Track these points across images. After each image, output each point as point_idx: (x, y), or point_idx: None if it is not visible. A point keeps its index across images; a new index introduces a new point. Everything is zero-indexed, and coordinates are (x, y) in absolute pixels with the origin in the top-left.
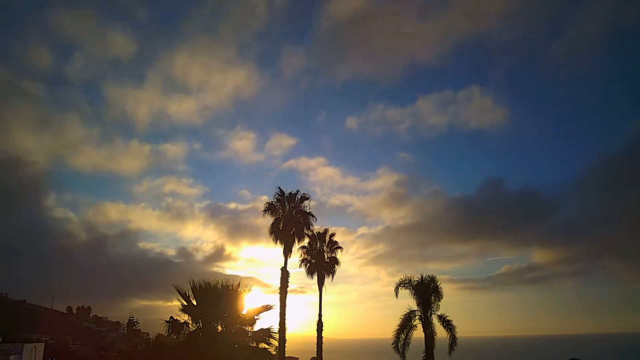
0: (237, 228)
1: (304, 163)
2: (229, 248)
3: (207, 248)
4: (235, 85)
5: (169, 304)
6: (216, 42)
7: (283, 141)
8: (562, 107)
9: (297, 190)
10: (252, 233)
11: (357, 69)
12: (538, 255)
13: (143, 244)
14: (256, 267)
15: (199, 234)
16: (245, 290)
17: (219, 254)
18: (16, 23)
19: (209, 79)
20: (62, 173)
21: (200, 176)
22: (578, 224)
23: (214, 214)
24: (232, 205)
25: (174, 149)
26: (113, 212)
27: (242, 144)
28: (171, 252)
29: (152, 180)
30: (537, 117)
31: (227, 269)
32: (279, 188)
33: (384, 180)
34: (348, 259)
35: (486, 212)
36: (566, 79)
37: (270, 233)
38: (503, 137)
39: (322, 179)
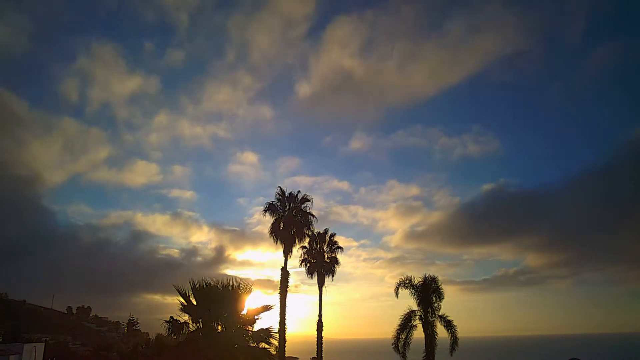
0: (241, 235)
1: (308, 179)
2: (231, 252)
3: (209, 252)
4: (246, 116)
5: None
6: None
7: (289, 162)
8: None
9: (298, 191)
10: (253, 238)
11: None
12: (534, 258)
13: (149, 246)
14: (256, 267)
15: (203, 239)
16: (245, 290)
17: (220, 257)
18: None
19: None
20: (80, 186)
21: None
22: (574, 228)
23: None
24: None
25: (182, 170)
26: (121, 219)
27: (246, 166)
28: (175, 253)
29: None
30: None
31: (228, 269)
32: (280, 188)
33: (392, 193)
34: (352, 261)
35: (487, 218)
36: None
37: (271, 233)
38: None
39: (327, 192)
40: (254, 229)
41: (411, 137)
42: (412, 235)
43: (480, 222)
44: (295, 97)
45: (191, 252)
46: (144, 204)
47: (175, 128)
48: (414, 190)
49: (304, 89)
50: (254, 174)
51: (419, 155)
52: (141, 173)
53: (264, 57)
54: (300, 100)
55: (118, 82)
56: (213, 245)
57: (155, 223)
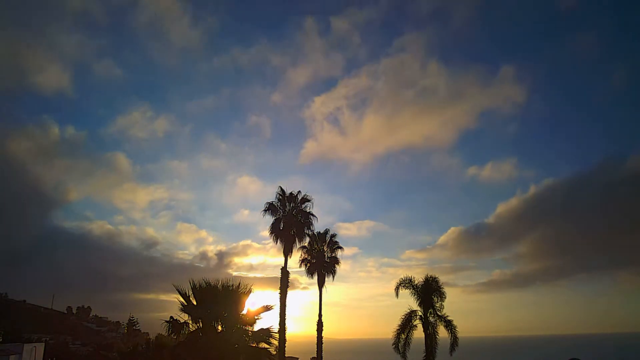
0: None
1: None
2: (233, 257)
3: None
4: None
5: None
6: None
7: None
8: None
9: (298, 191)
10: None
11: None
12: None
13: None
14: (257, 266)
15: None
16: (245, 290)
17: (222, 261)
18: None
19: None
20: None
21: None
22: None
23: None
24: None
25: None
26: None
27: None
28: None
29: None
30: None
31: (229, 269)
32: (280, 187)
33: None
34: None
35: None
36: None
37: (271, 233)
38: None
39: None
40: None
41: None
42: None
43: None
44: None
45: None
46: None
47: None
48: None
49: None
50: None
51: None
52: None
53: None
54: None
55: None
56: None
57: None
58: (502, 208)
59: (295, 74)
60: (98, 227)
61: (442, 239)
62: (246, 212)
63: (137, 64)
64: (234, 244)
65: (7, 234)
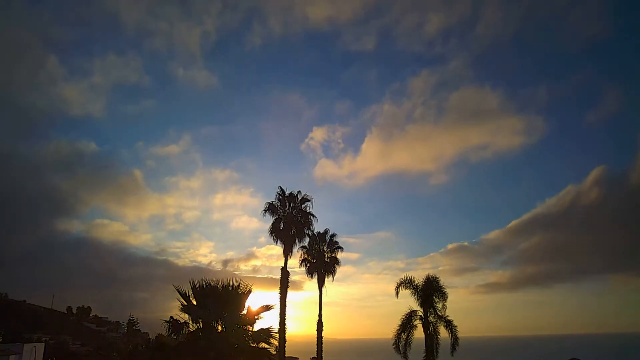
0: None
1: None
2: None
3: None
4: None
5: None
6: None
7: None
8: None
9: (298, 191)
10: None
11: None
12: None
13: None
14: (259, 268)
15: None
16: (245, 290)
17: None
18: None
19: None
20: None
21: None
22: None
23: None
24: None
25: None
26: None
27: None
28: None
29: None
30: None
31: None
32: (280, 187)
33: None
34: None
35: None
36: None
37: (271, 233)
38: None
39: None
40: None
41: None
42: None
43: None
44: None
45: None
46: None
47: None
48: None
49: None
50: None
51: None
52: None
53: None
54: None
55: None
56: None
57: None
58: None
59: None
60: (107, 232)
61: (444, 249)
62: (253, 221)
63: (170, 97)
64: (240, 253)
65: (19, 237)
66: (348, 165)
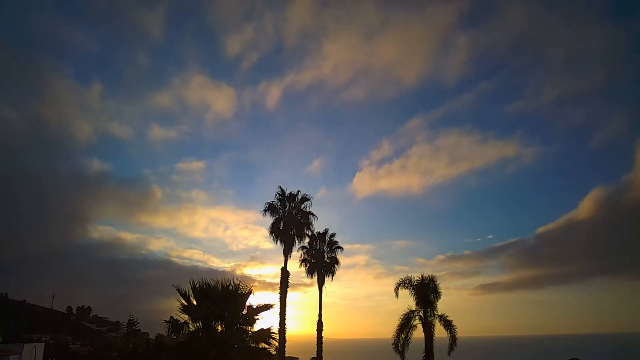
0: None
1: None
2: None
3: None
4: None
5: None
6: None
7: None
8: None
9: (298, 191)
10: None
11: None
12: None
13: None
14: (257, 266)
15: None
16: (245, 291)
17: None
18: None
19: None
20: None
21: None
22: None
23: None
24: None
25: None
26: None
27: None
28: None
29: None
30: None
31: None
32: (280, 187)
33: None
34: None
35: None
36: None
37: (271, 233)
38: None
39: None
40: None
41: None
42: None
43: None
44: None
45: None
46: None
47: None
48: None
49: None
50: None
51: None
52: None
53: None
54: None
55: None
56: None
57: None
58: None
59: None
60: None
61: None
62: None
63: (192, 132)
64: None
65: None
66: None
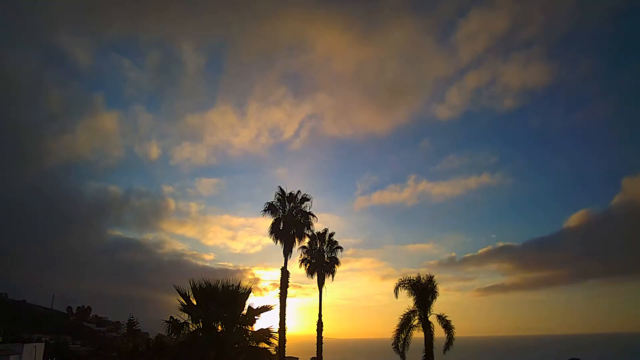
0: None
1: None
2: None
3: None
4: None
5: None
6: None
7: None
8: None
9: (298, 191)
10: None
11: None
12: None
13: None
14: (257, 266)
15: None
16: (245, 291)
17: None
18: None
19: None
20: None
21: None
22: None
23: None
24: None
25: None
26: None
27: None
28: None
29: None
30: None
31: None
32: (280, 187)
33: None
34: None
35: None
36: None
37: (271, 233)
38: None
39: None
40: None
41: None
42: None
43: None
44: None
45: None
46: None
47: None
48: None
49: None
50: None
51: None
52: None
53: None
54: None
55: None
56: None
57: None
58: None
59: None
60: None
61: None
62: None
63: (218, 153)
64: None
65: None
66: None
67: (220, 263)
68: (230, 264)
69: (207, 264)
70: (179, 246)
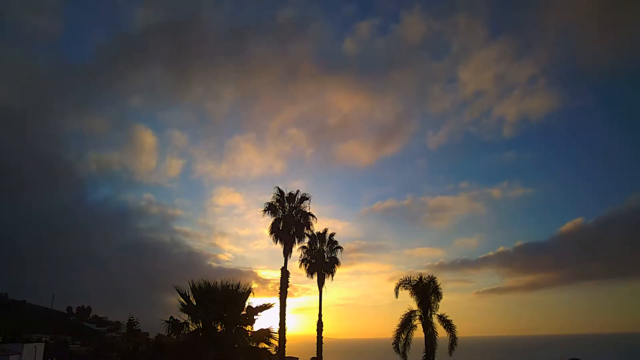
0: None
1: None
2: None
3: None
4: None
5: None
6: None
7: None
8: None
9: (297, 191)
10: None
11: None
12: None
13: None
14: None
15: None
16: (245, 291)
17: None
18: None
19: None
20: None
21: None
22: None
23: None
24: None
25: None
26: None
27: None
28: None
29: None
30: None
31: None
32: (278, 188)
33: None
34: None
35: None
36: None
37: (271, 233)
38: None
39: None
40: None
41: None
42: None
43: None
44: None
45: None
46: None
47: None
48: None
49: None
50: None
51: None
52: None
53: None
54: None
55: None
56: None
57: None
58: None
59: None
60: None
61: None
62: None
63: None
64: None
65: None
66: None
67: (235, 265)
68: (244, 267)
69: (222, 265)
70: (195, 247)
